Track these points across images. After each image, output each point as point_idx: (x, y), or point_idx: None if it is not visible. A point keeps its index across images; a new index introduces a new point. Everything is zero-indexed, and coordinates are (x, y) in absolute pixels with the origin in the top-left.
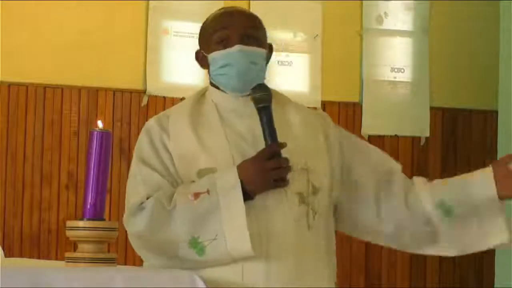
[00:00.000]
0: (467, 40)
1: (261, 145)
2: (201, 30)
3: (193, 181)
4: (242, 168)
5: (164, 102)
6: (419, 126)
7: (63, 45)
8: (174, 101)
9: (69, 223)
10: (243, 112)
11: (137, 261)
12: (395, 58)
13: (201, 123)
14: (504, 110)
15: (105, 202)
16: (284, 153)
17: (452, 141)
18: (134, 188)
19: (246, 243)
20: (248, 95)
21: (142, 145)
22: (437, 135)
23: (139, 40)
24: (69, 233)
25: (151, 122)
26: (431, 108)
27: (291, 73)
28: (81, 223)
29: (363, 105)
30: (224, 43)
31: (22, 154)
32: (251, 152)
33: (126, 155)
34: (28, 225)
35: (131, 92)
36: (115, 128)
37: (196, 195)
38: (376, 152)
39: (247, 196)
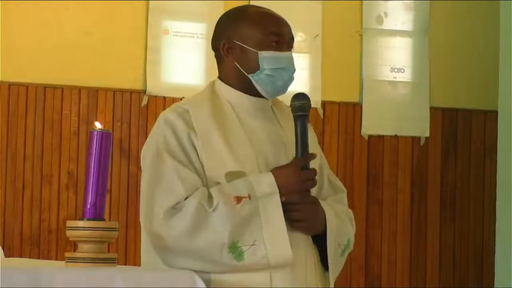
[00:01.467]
0: (467, 40)
1: (281, 150)
2: (235, 21)
3: (218, 183)
4: (278, 176)
5: (164, 102)
6: (419, 126)
7: (63, 45)
8: (174, 101)
9: (69, 223)
10: (261, 115)
11: (137, 261)
12: (395, 58)
13: (223, 123)
14: (504, 110)
15: (105, 202)
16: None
17: (452, 141)
18: (167, 186)
19: (287, 250)
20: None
21: (169, 141)
22: (437, 135)
23: (139, 40)
24: (69, 233)
25: (172, 117)
26: (431, 108)
27: None
28: (81, 223)
29: (363, 105)
30: (276, 45)
31: (22, 154)
32: (272, 158)
33: (126, 155)
34: (28, 225)
35: (131, 92)
36: (115, 128)
37: (238, 199)
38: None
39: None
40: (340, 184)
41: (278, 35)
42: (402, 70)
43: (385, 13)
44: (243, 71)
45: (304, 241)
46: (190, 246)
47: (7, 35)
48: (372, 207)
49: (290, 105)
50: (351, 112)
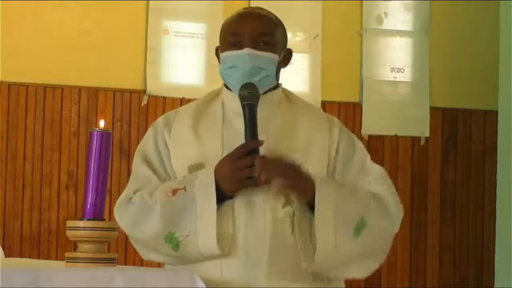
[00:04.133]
0: (467, 40)
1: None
2: (221, 27)
3: (184, 176)
4: (218, 167)
5: (164, 102)
6: (419, 126)
7: (63, 45)
8: (174, 101)
9: (69, 223)
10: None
11: (137, 261)
12: (395, 58)
13: (203, 121)
14: (504, 110)
15: (105, 202)
16: (281, 151)
17: (452, 141)
18: (128, 183)
19: (213, 242)
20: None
21: (145, 140)
22: (437, 135)
23: (139, 40)
24: (69, 233)
25: (159, 119)
26: (431, 108)
27: (291, 73)
28: (81, 223)
29: (363, 105)
30: (238, 46)
31: (22, 154)
32: None
33: (126, 155)
34: (28, 225)
35: (131, 92)
36: (115, 128)
37: (174, 191)
38: (370, 174)
39: (225, 194)
40: (375, 167)
41: (236, 35)
42: (402, 70)
43: (385, 13)
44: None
45: (283, 228)
46: (136, 236)
47: (7, 35)
48: None
49: (238, 96)
50: (351, 112)
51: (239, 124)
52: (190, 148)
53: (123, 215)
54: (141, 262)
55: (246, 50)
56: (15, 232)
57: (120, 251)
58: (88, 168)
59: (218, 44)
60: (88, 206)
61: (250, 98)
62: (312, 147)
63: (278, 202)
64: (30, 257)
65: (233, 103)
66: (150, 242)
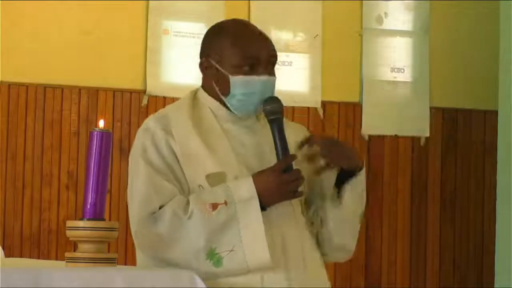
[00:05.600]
0: (467, 40)
1: (264, 156)
2: (214, 40)
3: (201, 186)
4: (258, 180)
5: (164, 102)
6: (419, 126)
7: (63, 45)
8: (174, 101)
9: (69, 223)
10: (243, 123)
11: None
12: (395, 58)
13: (203, 127)
14: (504, 110)
15: (105, 202)
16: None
17: (452, 141)
18: (144, 196)
19: (265, 254)
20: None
21: (148, 151)
22: (437, 135)
23: (139, 40)
24: (69, 233)
25: (151, 124)
26: (431, 108)
27: (291, 73)
28: (81, 223)
29: (363, 105)
30: (250, 69)
31: (22, 154)
32: (255, 162)
33: (126, 155)
34: (28, 225)
35: (131, 92)
36: (115, 128)
37: (214, 206)
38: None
39: (261, 208)
40: None
41: (253, 58)
42: (402, 70)
43: (385, 13)
44: (220, 95)
45: (308, 235)
46: (169, 255)
47: (7, 35)
48: (372, 207)
49: (263, 110)
50: (351, 112)
51: (239, 134)
52: (203, 155)
53: (152, 232)
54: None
55: (265, 78)
56: (15, 232)
57: (120, 251)
58: (88, 168)
59: None
60: (88, 206)
61: (277, 112)
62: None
63: (298, 212)
64: (30, 257)
65: (224, 113)
66: (185, 260)
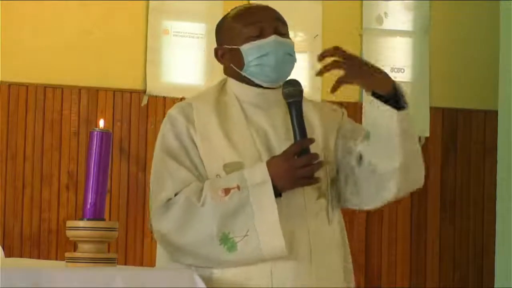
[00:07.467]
0: (467, 40)
1: (286, 140)
2: (222, 26)
3: (218, 175)
4: (271, 165)
5: (164, 102)
6: (419, 126)
7: (63, 45)
8: (174, 101)
9: (69, 223)
10: (266, 107)
11: (137, 261)
12: (395, 58)
13: (226, 116)
14: (504, 110)
15: (105, 202)
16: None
17: (452, 141)
18: (160, 184)
19: (279, 240)
20: (274, 88)
21: (167, 137)
22: (437, 135)
23: (139, 40)
24: (69, 233)
25: (174, 113)
26: (431, 108)
27: (291, 73)
28: (81, 223)
29: (363, 105)
30: (259, 36)
31: (22, 154)
32: (277, 147)
33: (126, 155)
34: (28, 225)
35: (131, 92)
36: (115, 128)
37: (227, 191)
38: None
39: (276, 193)
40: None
41: (257, 24)
42: (402, 70)
43: (385, 13)
44: (238, 70)
45: (322, 222)
46: (181, 241)
47: (7, 35)
48: None
49: (282, 93)
50: (351, 112)
51: (262, 119)
52: (222, 146)
53: (165, 218)
54: (141, 262)
55: (273, 37)
56: (15, 232)
57: (120, 251)
58: (88, 168)
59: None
60: (88, 206)
61: (296, 95)
62: (332, 138)
63: (312, 197)
64: (30, 257)
65: (251, 97)
66: (198, 245)
